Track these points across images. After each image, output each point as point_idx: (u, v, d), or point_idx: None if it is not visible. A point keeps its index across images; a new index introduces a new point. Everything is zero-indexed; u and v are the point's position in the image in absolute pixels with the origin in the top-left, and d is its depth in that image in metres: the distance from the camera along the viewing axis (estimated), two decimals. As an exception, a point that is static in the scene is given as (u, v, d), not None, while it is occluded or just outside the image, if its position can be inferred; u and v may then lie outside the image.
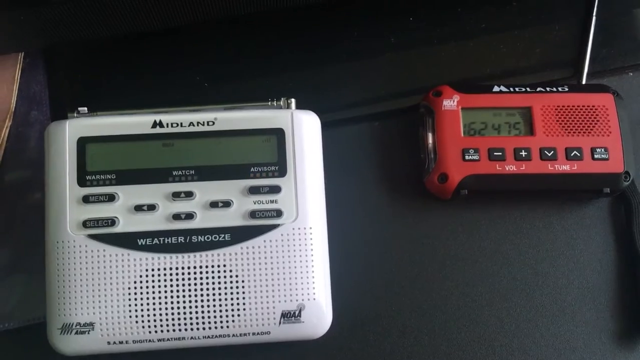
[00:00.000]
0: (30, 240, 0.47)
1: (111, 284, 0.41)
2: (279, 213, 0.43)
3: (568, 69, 0.53)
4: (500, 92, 0.49)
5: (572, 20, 0.54)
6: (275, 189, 0.43)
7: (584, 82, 0.52)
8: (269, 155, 0.44)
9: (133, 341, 0.41)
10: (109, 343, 0.41)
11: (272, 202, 0.43)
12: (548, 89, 0.49)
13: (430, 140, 0.48)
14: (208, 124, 0.44)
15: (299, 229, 0.43)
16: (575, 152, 0.47)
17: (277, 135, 0.44)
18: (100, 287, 0.41)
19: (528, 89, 0.49)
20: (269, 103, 0.46)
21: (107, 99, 0.52)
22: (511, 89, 0.49)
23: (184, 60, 0.54)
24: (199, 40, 0.54)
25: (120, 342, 0.41)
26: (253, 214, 0.43)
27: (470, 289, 0.48)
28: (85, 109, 0.44)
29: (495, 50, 0.53)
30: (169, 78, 0.53)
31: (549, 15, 0.54)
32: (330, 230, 0.45)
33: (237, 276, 0.42)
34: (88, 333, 0.41)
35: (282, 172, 0.43)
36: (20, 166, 0.49)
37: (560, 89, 0.49)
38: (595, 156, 0.47)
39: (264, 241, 0.42)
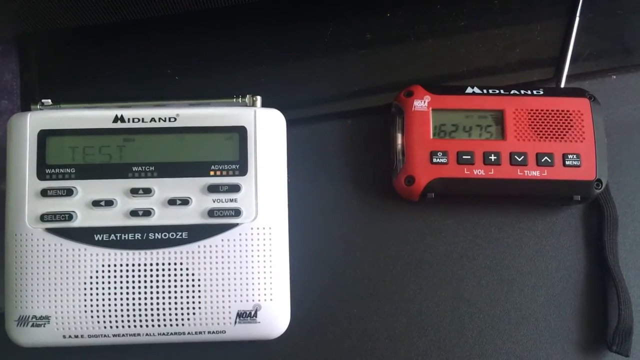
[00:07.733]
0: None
1: (67, 278, 0.41)
2: (237, 212, 0.42)
3: (548, 71, 0.52)
4: (473, 93, 0.48)
5: (555, 20, 0.53)
6: (235, 188, 0.43)
7: (562, 84, 0.50)
8: (230, 154, 0.43)
9: (88, 335, 0.42)
10: (64, 337, 0.41)
11: (231, 200, 0.43)
12: (522, 91, 0.48)
13: (399, 141, 0.47)
14: (170, 120, 0.43)
15: (257, 228, 0.42)
16: (546, 157, 0.46)
17: (240, 134, 0.43)
18: (57, 281, 0.41)
19: (502, 92, 0.48)
20: (234, 99, 0.45)
21: (78, 89, 0.52)
22: (484, 91, 0.48)
23: (156, 54, 0.53)
24: (171, 33, 0.53)
25: (76, 336, 0.42)
26: (211, 213, 0.42)
27: (433, 293, 0.47)
28: (49, 100, 0.44)
29: (473, 50, 0.52)
30: (143, 70, 0.53)
31: (531, 15, 0.53)
32: (295, 230, 0.44)
33: (193, 274, 0.42)
34: (44, 326, 0.41)
35: (242, 170, 0.43)
36: (-11, 155, 0.49)
37: (535, 92, 0.48)
38: (567, 162, 0.46)
39: (222, 240, 0.42)
